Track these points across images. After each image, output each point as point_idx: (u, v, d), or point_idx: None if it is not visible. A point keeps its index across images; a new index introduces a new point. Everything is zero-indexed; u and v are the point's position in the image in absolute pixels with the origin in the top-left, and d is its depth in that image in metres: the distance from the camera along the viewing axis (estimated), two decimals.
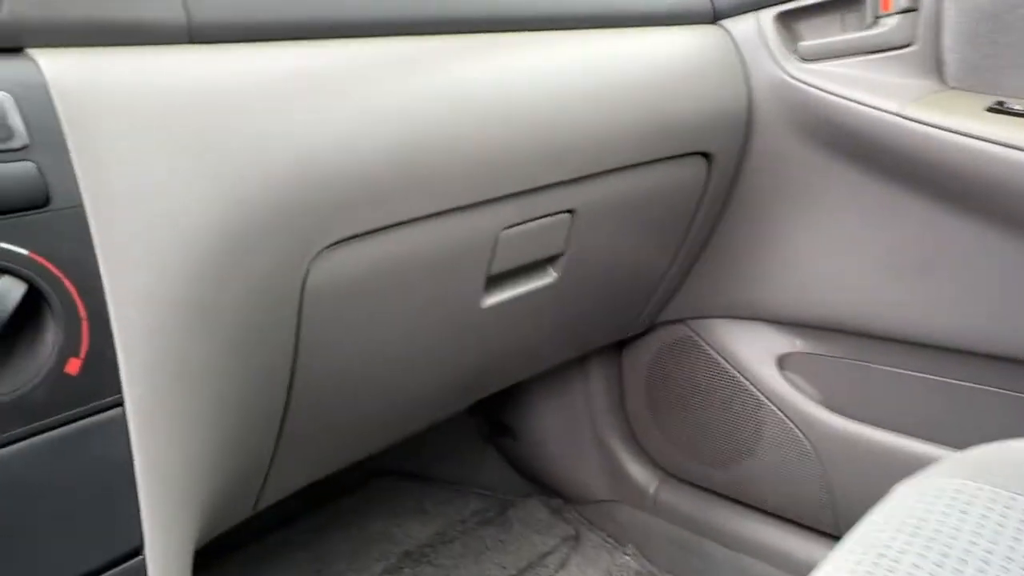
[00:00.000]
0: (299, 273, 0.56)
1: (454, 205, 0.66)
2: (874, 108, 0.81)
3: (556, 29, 0.77)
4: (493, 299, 0.79)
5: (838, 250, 0.93)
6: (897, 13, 0.82)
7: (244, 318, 0.52)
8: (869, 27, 0.85)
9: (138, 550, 0.44)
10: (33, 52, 0.44)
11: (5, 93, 0.40)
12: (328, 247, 0.57)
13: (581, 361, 1.22)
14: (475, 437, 1.40)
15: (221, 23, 0.53)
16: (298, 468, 0.76)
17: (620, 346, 1.22)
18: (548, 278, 0.85)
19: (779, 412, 1.03)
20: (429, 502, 1.30)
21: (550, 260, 0.84)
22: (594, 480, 1.29)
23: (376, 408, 0.79)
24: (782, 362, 1.04)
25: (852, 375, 0.98)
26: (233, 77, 0.52)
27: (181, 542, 0.49)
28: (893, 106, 0.80)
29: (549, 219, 0.78)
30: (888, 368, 0.94)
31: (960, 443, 0.90)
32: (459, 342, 0.80)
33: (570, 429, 1.29)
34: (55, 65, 0.43)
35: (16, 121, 0.40)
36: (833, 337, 0.99)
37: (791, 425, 1.02)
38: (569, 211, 0.80)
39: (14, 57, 0.43)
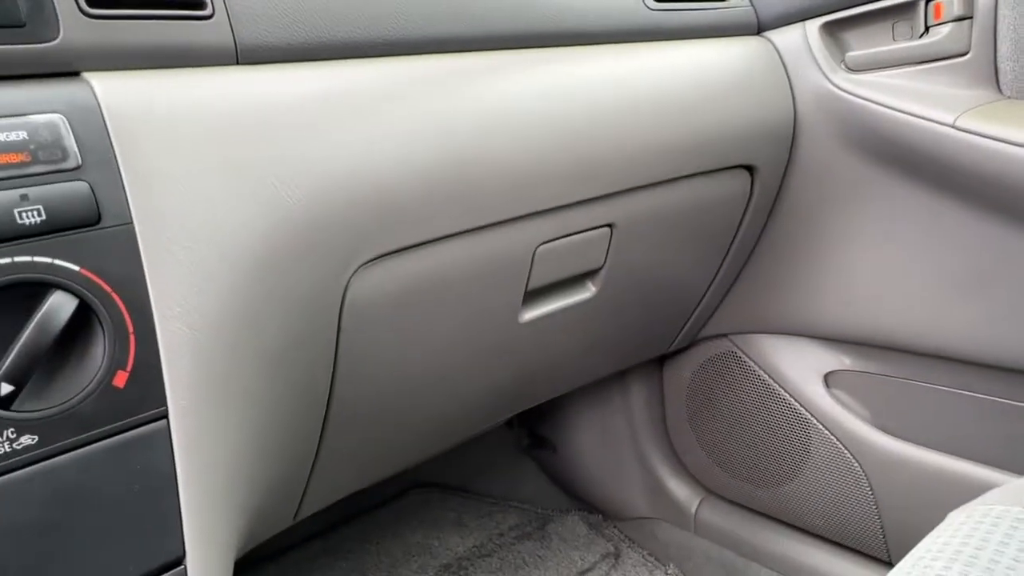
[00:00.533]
0: (339, 288, 0.57)
1: (491, 220, 0.66)
2: (926, 119, 0.79)
3: (595, 43, 0.77)
4: (531, 314, 0.79)
5: (888, 265, 0.90)
6: (951, 21, 0.80)
7: (285, 332, 0.53)
8: (921, 36, 0.82)
9: (179, 560, 0.44)
10: (87, 75, 0.45)
11: (60, 116, 0.42)
12: (367, 263, 0.58)
13: (621, 375, 1.21)
14: (514, 450, 1.40)
15: (266, 45, 0.54)
16: (337, 479, 0.77)
17: (661, 360, 1.20)
18: (587, 293, 0.84)
19: (827, 432, 1.00)
20: (468, 515, 1.30)
21: (589, 274, 0.84)
22: (634, 496, 1.27)
23: (414, 421, 0.80)
24: (829, 380, 1.01)
25: (903, 394, 0.94)
26: (276, 97, 0.53)
27: (222, 552, 0.50)
28: (947, 117, 0.78)
29: (588, 234, 0.78)
30: (941, 388, 0.90)
31: (1018, 468, 0.86)
32: (497, 356, 0.80)
33: (610, 444, 1.27)
34: (107, 88, 0.45)
35: (70, 142, 0.42)
36: (883, 355, 0.96)
37: (840, 446, 0.99)
38: (608, 225, 0.79)
39: (69, 81, 0.44)
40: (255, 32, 0.54)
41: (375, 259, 0.59)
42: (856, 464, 0.98)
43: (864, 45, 0.86)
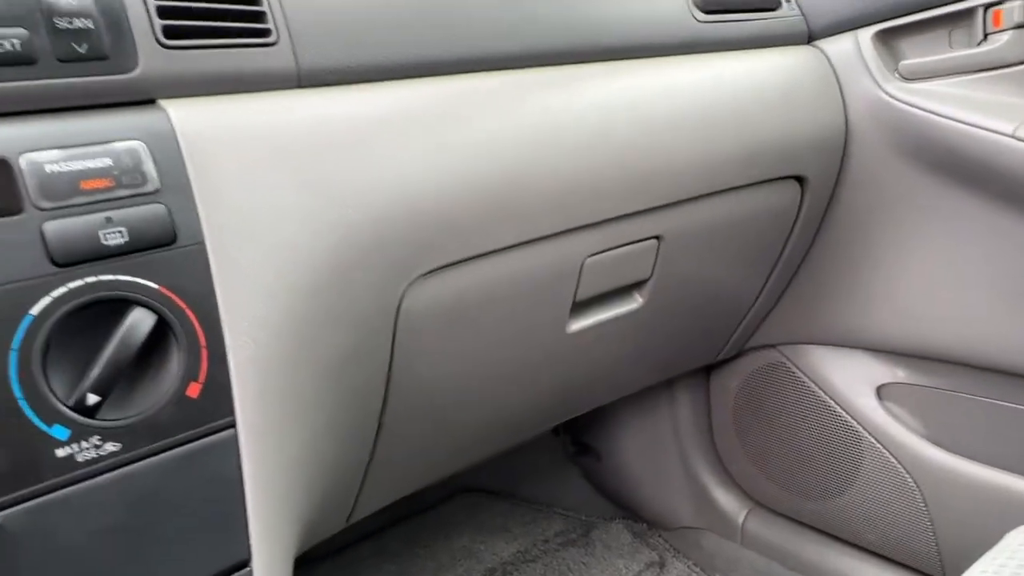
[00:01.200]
0: (394, 300, 0.59)
1: (541, 234, 0.68)
2: (985, 129, 0.77)
3: (644, 57, 0.78)
4: (579, 324, 0.80)
5: (943, 276, 0.88)
6: (1011, 29, 0.78)
7: (343, 345, 0.55)
8: (979, 44, 0.80)
9: (246, 562, 0.47)
10: (163, 103, 0.48)
11: (140, 142, 0.45)
12: (422, 276, 0.60)
13: (667, 383, 1.21)
14: (559, 457, 1.41)
15: (326, 68, 0.56)
16: (389, 484, 0.79)
17: (708, 369, 1.20)
18: (634, 303, 0.85)
19: (879, 445, 0.98)
20: (513, 521, 1.31)
21: (636, 285, 0.84)
22: (679, 505, 1.26)
23: (463, 428, 0.81)
24: (882, 392, 0.99)
25: (959, 409, 0.92)
26: (336, 118, 0.56)
27: (284, 554, 0.52)
28: (1007, 127, 0.76)
29: (635, 246, 0.78)
30: (998, 402, 0.88)
31: None
32: (545, 365, 0.81)
33: (655, 452, 1.27)
34: (181, 114, 0.48)
35: (149, 167, 0.44)
36: (937, 368, 0.94)
37: (893, 460, 0.97)
38: (656, 237, 0.80)
39: (147, 108, 0.47)
40: (316, 57, 0.56)
41: (429, 272, 0.60)
42: (909, 479, 0.96)
43: (919, 53, 0.85)
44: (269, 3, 0.54)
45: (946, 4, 0.81)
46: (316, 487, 0.59)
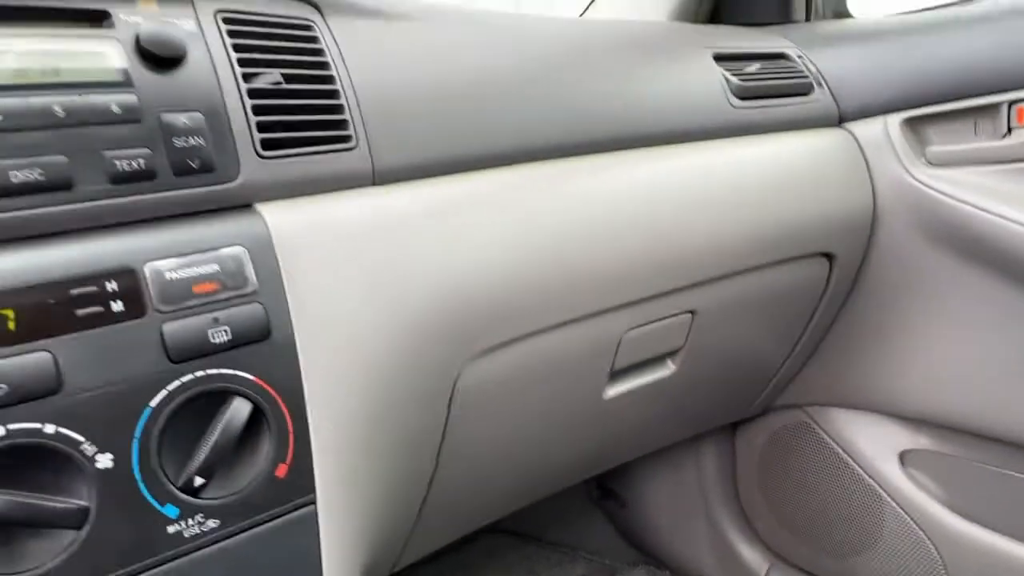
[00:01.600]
0: (451, 380, 0.64)
1: (585, 313, 0.73)
2: (1008, 220, 0.81)
3: (684, 141, 0.83)
4: (614, 391, 0.84)
5: (966, 350, 0.92)
6: None
7: (406, 422, 0.60)
8: (1003, 137, 0.85)
9: None
10: (259, 206, 0.54)
11: (242, 248, 0.50)
12: (475, 356, 0.65)
13: (693, 436, 1.24)
14: (585, 501, 1.44)
15: (398, 167, 0.62)
16: (431, 537, 0.84)
17: (734, 424, 1.23)
18: (667, 370, 0.89)
19: (901, 510, 1.01)
20: (538, 563, 1.35)
21: (669, 353, 0.89)
22: (702, 556, 1.29)
23: (504, 484, 0.86)
24: (905, 458, 1.03)
25: (982, 479, 0.95)
26: (405, 212, 0.61)
27: None
28: None
29: (671, 320, 0.83)
30: (1016, 474, 0.91)
31: None
32: (582, 428, 0.86)
33: (679, 502, 1.30)
34: (275, 219, 0.53)
35: (250, 271, 0.50)
36: (959, 437, 0.97)
37: (914, 525, 1.00)
38: (690, 312, 0.84)
39: (245, 213, 0.53)
40: (389, 157, 0.62)
41: (483, 352, 0.65)
42: (931, 545, 0.99)
43: (945, 141, 0.89)
44: (350, 112, 0.60)
45: (972, 97, 0.86)
46: (374, 546, 0.64)
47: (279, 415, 0.50)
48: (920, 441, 1.01)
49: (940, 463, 0.99)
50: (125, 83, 0.49)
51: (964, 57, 0.87)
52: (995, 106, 0.85)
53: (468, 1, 0.85)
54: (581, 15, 1.25)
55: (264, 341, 0.50)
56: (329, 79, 0.59)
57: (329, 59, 0.59)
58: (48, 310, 0.43)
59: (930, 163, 0.89)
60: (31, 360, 0.42)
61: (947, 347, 0.93)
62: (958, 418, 0.94)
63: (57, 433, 0.42)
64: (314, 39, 0.60)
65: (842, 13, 1.13)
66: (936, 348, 0.94)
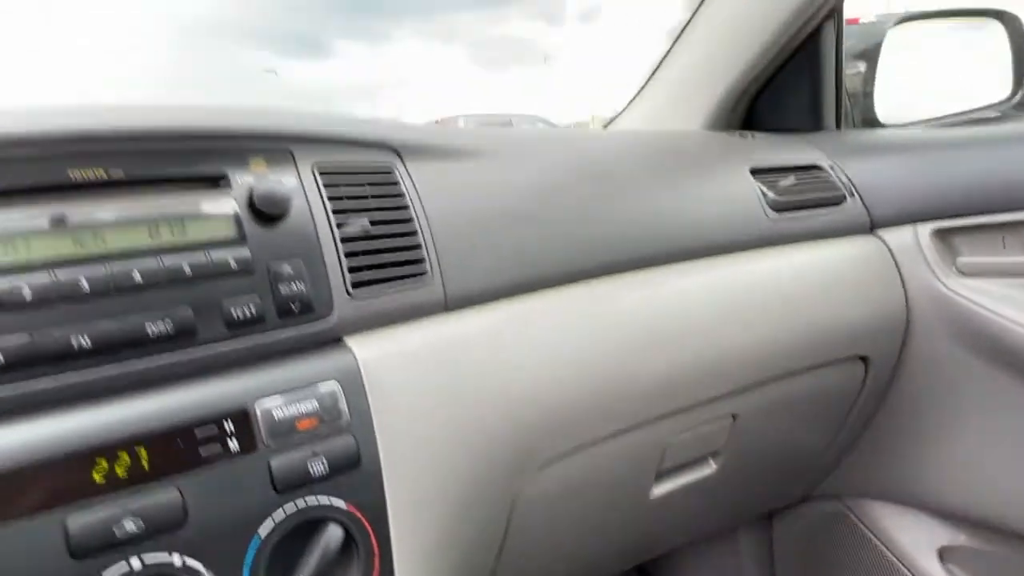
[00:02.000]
0: (511, 493, 0.69)
1: (634, 423, 0.77)
2: None
3: (723, 253, 0.88)
4: (660, 490, 0.88)
5: (1004, 452, 0.94)
6: None
7: (472, 536, 0.65)
8: None
9: None
10: (347, 340, 0.60)
11: (336, 383, 0.56)
12: (537, 469, 0.70)
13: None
14: None
15: (468, 294, 0.68)
16: None
17: (771, 514, 1.25)
18: (708, 469, 0.93)
19: None
20: None
21: (712, 453, 0.93)
22: None
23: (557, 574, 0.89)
24: (944, 554, 1.04)
25: None
26: (475, 335, 0.67)
27: None
28: None
29: (713, 424, 0.87)
30: None
31: None
32: (629, 525, 0.90)
33: None
34: (363, 353, 0.59)
35: (343, 405, 0.56)
36: (999, 535, 0.98)
37: None
38: (732, 415, 0.88)
39: (336, 348, 0.59)
40: (460, 285, 0.68)
41: (543, 465, 0.70)
42: None
43: (975, 252, 0.93)
44: (425, 248, 0.66)
45: (1000, 212, 0.90)
46: None
47: (366, 538, 0.55)
48: (959, 538, 1.02)
49: (979, 560, 1.00)
50: (240, 239, 0.56)
51: (992, 174, 0.92)
52: (1021, 223, 0.89)
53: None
54: (615, 118, 1.32)
55: (355, 469, 0.55)
56: (408, 220, 0.66)
57: (408, 201, 0.66)
58: (176, 450, 0.49)
59: (961, 272, 0.93)
60: (163, 497, 0.48)
61: (983, 448, 0.95)
62: (995, 518, 0.96)
63: (184, 565, 0.47)
64: (395, 183, 0.67)
65: (871, 120, 1.19)
66: (970, 448, 0.97)
